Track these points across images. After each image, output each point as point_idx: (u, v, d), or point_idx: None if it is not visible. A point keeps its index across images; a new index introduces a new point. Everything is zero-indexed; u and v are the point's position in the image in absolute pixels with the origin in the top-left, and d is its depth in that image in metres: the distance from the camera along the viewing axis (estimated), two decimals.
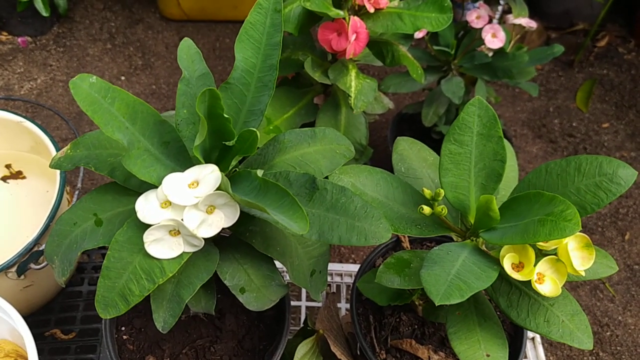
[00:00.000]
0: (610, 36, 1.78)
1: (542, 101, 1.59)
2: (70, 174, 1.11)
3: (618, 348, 1.11)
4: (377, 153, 1.37)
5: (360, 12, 0.80)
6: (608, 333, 1.13)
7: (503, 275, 0.51)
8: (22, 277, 0.75)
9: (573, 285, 1.19)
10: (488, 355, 0.53)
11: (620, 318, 1.15)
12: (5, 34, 1.63)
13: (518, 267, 0.49)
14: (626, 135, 1.51)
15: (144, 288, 0.47)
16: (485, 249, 0.53)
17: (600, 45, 1.75)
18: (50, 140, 0.84)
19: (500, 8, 1.18)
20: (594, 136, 1.50)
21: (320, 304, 0.93)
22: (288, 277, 0.63)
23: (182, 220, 0.47)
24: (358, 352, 0.77)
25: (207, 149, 0.50)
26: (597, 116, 1.56)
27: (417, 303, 0.67)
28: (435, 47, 1.05)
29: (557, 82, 1.65)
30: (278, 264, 0.59)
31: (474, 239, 0.54)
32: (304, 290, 0.96)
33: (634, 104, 1.59)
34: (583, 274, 0.49)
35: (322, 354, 0.76)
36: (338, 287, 0.97)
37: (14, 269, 0.73)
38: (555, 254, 0.49)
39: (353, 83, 0.83)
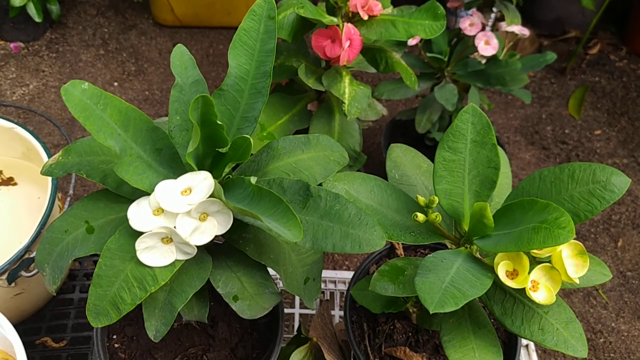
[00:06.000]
0: (602, 43, 1.79)
1: (534, 108, 1.60)
2: (63, 181, 1.10)
3: (612, 355, 1.11)
4: (370, 160, 1.37)
5: (354, 19, 0.81)
6: (601, 340, 1.13)
7: (497, 283, 0.51)
8: (13, 284, 0.74)
9: (566, 292, 1.19)
10: None
11: (613, 325, 1.15)
12: None
13: (512, 274, 0.49)
14: (618, 142, 1.52)
15: (136, 296, 0.47)
16: (479, 256, 0.53)
17: (592, 53, 1.76)
18: (42, 146, 0.84)
19: (493, 15, 1.18)
20: (587, 143, 1.51)
21: (313, 312, 0.93)
22: (281, 285, 0.62)
23: (174, 227, 0.47)
24: None
25: (200, 155, 0.50)
26: (589, 123, 1.56)
27: (411, 310, 0.66)
28: (429, 54, 1.05)
29: (549, 89, 1.65)
30: (271, 271, 0.59)
31: (468, 246, 0.54)
32: (297, 298, 0.96)
33: (625, 111, 1.60)
34: (577, 281, 0.49)
35: None
36: (332, 294, 0.97)
37: (4, 276, 0.73)
38: (550, 262, 0.49)
39: (347, 90, 0.83)
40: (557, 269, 0.48)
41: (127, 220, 0.48)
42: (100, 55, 1.64)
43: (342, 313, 0.92)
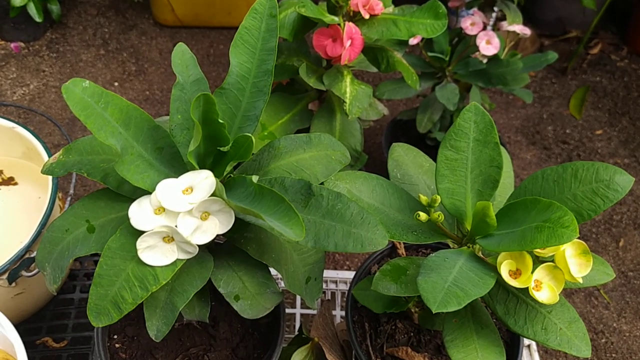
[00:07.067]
0: (603, 43, 1.79)
1: (535, 108, 1.59)
2: (63, 180, 1.10)
3: (613, 355, 1.11)
4: (371, 160, 1.37)
5: (355, 18, 0.80)
6: (603, 340, 1.13)
7: (500, 283, 0.51)
8: (14, 284, 0.74)
9: (568, 292, 1.19)
10: None
11: (615, 325, 1.15)
12: None
13: (515, 274, 0.49)
14: (619, 142, 1.51)
15: (137, 296, 0.47)
16: (482, 255, 0.53)
17: (593, 53, 1.76)
18: (43, 146, 0.83)
19: (494, 15, 1.18)
20: (588, 143, 1.51)
21: (315, 312, 0.93)
22: (283, 285, 0.62)
23: (176, 226, 0.47)
24: None
25: (202, 154, 0.50)
26: (590, 123, 1.56)
27: (413, 310, 0.66)
28: (430, 54, 1.05)
29: (550, 89, 1.65)
30: (273, 271, 0.59)
31: (471, 245, 0.54)
32: (298, 298, 0.96)
33: (627, 110, 1.60)
34: (580, 280, 0.48)
35: None
36: (333, 294, 0.96)
37: (5, 276, 0.72)
38: (553, 261, 0.49)
39: (348, 89, 0.82)
40: (560, 269, 0.48)
41: (128, 219, 0.48)
42: (101, 55, 1.63)
43: (343, 313, 0.92)
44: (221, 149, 0.48)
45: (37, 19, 1.50)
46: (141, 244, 0.47)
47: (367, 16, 0.79)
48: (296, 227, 0.43)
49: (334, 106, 0.91)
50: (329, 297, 0.96)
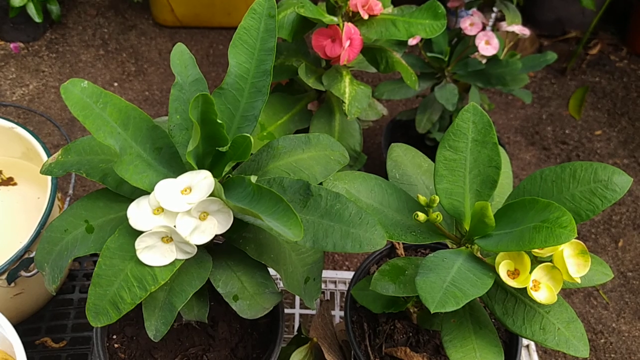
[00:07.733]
0: (603, 44, 1.79)
1: (535, 108, 1.60)
2: (62, 181, 1.10)
3: (612, 355, 1.11)
4: (370, 160, 1.37)
5: (354, 18, 0.80)
6: (602, 340, 1.13)
7: (498, 283, 0.51)
8: (13, 284, 0.74)
9: (567, 293, 1.19)
10: None
11: (614, 325, 1.15)
12: None
13: (513, 274, 0.49)
14: (619, 143, 1.51)
15: (136, 296, 0.47)
16: (480, 255, 0.53)
17: (593, 53, 1.76)
18: (42, 146, 0.83)
19: (493, 15, 1.18)
20: (587, 143, 1.51)
21: (314, 312, 0.93)
22: (282, 285, 0.62)
23: (174, 227, 0.47)
24: None
25: (200, 154, 0.50)
26: (589, 123, 1.56)
27: (411, 310, 0.66)
28: (429, 54, 1.05)
29: (549, 89, 1.65)
30: (272, 271, 0.59)
31: (469, 245, 0.54)
32: (297, 298, 0.96)
33: (626, 111, 1.60)
34: (579, 281, 0.48)
35: None
36: (332, 294, 0.96)
37: (4, 276, 0.72)
38: (551, 261, 0.49)
39: (347, 89, 0.83)
40: (558, 269, 0.48)
41: (126, 219, 0.48)
42: (100, 55, 1.63)
43: (342, 313, 0.92)
44: (220, 149, 0.48)
45: (37, 19, 1.50)
46: (140, 244, 0.47)
47: (366, 16, 0.79)
48: (294, 227, 0.43)
49: (333, 106, 0.91)
50: (328, 297, 0.96)
